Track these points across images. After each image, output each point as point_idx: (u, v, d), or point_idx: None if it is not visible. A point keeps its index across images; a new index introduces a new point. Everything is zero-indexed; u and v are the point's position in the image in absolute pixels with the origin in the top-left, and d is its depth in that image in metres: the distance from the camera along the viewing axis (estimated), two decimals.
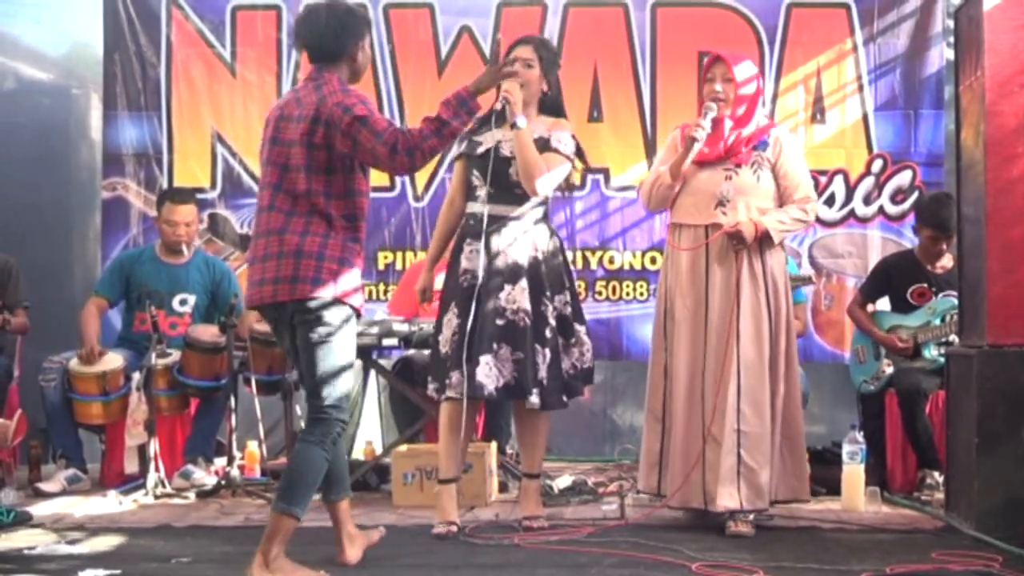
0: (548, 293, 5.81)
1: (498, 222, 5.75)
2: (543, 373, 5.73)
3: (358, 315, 5.02)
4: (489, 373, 5.64)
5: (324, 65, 5.02)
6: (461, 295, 5.74)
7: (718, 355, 5.73)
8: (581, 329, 5.94)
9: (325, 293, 4.83)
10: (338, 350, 4.89)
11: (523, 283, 5.75)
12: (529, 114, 5.76)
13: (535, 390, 5.69)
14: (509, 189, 5.76)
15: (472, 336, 5.64)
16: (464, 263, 5.79)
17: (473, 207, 5.84)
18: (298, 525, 4.84)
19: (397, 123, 4.81)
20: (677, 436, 5.81)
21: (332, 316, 4.86)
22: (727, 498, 5.65)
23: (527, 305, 5.73)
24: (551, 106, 5.92)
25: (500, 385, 5.68)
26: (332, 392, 4.88)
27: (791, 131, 8.00)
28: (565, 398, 5.88)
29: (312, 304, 4.83)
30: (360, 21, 5.10)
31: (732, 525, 5.70)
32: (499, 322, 5.67)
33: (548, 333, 5.78)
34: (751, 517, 5.73)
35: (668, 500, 5.85)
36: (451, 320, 5.74)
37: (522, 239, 5.78)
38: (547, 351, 5.75)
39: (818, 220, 8.08)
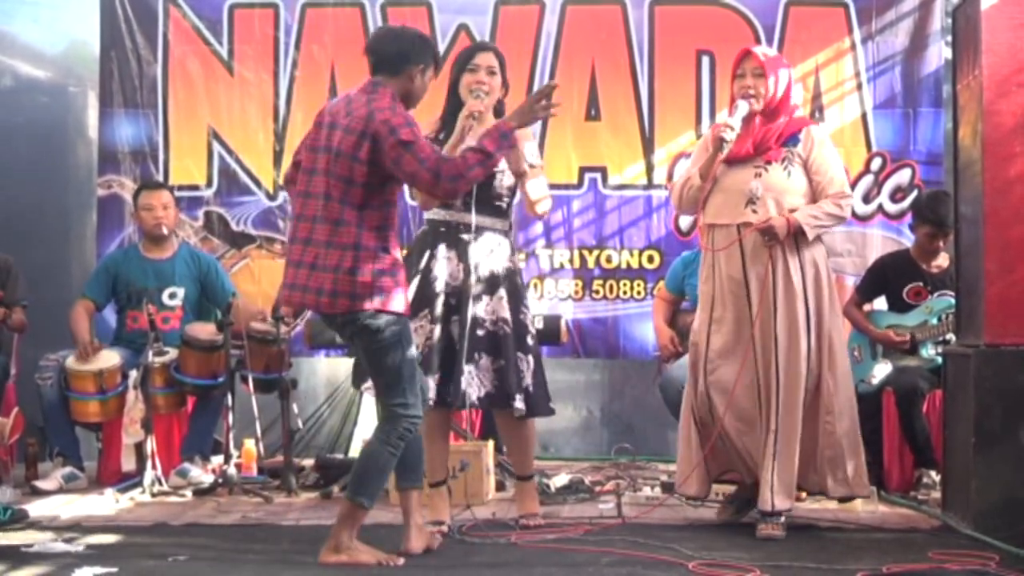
0: (526, 302, 5.88)
1: (476, 233, 5.76)
2: (528, 380, 5.77)
3: (405, 315, 5.17)
4: (471, 382, 5.68)
5: (383, 77, 5.13)
6: (435, 303, 5.74)
7: (764, 355, 5.69)
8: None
9: (367, 305, 5.00)
10: (392, 354, 5.06)
11: (501, 292, 5.78)
12: (487, 121, 5.65)
13: (518, 396, 5.72)
14: (490, 201, 5.77)
15: (454, 347, 5.68)
16: (438, 271, 5.78)
17: (443, 214, 5.82)
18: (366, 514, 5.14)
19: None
20: (733, 438, 5.78)
21: (378, 326, 5.03)
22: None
23: (507, 314, 5.77)
24: (500, 111, 5.89)
25: (482, 395, 5.73)
26: (394, 392, 5.08)
27: None
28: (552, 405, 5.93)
29: (358, 318, 5.02)
30: (429, 49, 5.28)
31: (764, 527, 5.66)
32: (479, 332, 5.71)
33: (530, 341, 5.82)
34: (782, 519, 5.68)
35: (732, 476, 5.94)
36: (424, 327, 5.71)
37: (498, 250, 5.81)
38: (530, 358, 5.79)
39: None
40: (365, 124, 4.97)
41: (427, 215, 5.91)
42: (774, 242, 5.64)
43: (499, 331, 5.74)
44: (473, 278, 5.71)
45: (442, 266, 5.76)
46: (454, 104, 5.79)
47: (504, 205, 5.86)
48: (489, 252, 5.78)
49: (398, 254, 5.14)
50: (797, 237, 5.68)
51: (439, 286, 5.74)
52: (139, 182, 8.23)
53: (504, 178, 5.79)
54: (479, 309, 5.72)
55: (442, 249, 5.78)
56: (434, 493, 5.84)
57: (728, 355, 5.76)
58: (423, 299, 5.76)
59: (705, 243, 5.86)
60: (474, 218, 5.74)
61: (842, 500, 5.94)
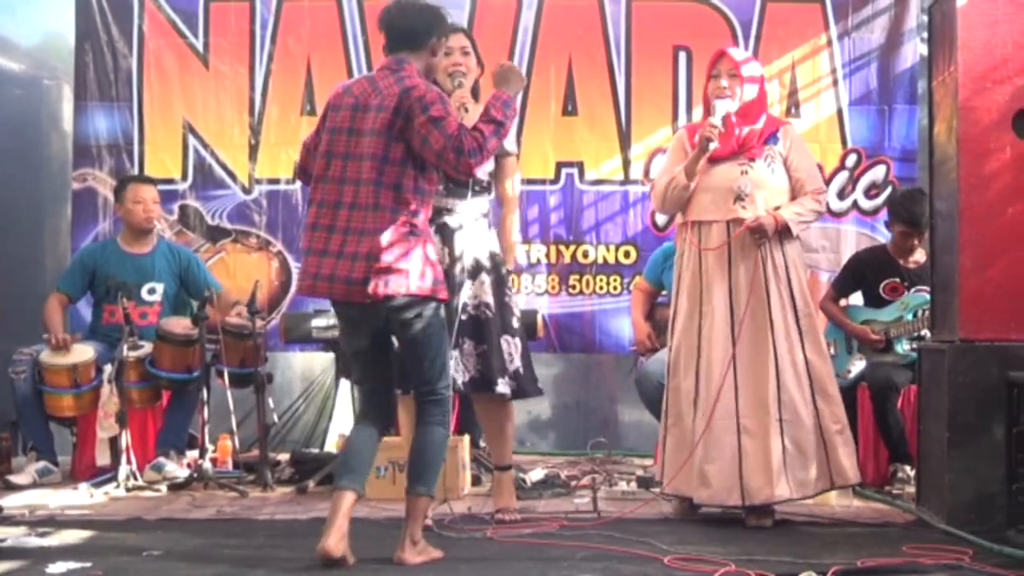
0: (509, 284, 5.89)
1: (457, 216, 5.77)
2: (517, 362, 5.80)
3: (442, 301, 5.10)
4: (457, 368, 5.67)
5: (407, 52, 5.08)
6: None
7: (752, 349, 5.75)
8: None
9: (404, 291, 4.91)
10: (435, 337, 5.04)
11: (483, 277, 5.80)
12: (468, 101, 5.67)
13: (501, 380, 5.75)
14: (467, 184, 5.76)
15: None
16: None
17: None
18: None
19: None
20: (717, 435, 5.78)
21: (418, 311, 4.97)
22: (781, 488, 5.71)
23: (489, 299, 5.79)
24: (475, 91, 5.92)
25: (467, 380, 5.74)
26: (440, 375, 5.06)
27: None
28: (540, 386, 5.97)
29: (395, 305, 4.93)
30: (444, 20, 5.25)
31: (753, 518, 5.74)
32: (462, 317, 5.70)
33: (515, 323, 5.83)
34: (770, 509, 5.78)
35: (703, 498, 5.85)
36: None
37: (480, 235, 5.81)
38: (517, 341, 5.81)
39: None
40: (399, 101, 4.92)
41: None
42: (764, 239, 5.74)
43: (481, 315, 5.76)
44: (458, 267, 5.70)
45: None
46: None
47: (480, 187, 5.85)
48: (471, 236, 5.77)
49: (433, 239, 5.15)
50: (781, 233, 5.79)
51: None
52: (114, 175, 8.22)
53: (486, 165, 5.78)
54: (463, 294, 5.71)
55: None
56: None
57: (712, 350, 5.80)
58: None
59: (692, 239, 5.90)
60: (444, 201, 5.73)
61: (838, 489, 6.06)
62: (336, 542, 4.81)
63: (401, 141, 4.92)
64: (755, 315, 5.76)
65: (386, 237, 4.88)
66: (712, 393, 5.76)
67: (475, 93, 5.86)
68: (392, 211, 4.91)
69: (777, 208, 5.82)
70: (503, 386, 5.76)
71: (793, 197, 5.90)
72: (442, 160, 4.93)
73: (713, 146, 5.74)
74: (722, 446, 5.76)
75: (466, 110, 5.56)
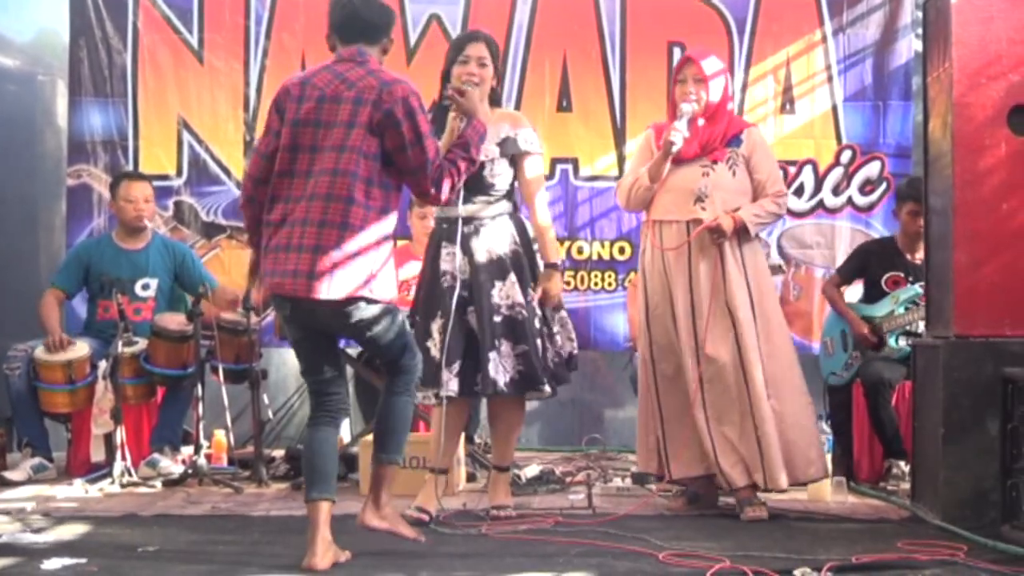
0: (533, 284, 5.85)
1: (474, 222, 5.76)
2: (551, 358, 5.82)
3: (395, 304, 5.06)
4: (497, 370, 5.67)
5: (365, 45, 4.99)
6: (447, 299, 5.71)
7: (716, 346, 5.83)
8: (565, 316, 6.01)
9: (364, 294, 4.83)
10: (389, 331, 4.96)
11: (512, 277, 5.77)
12: (484, 111, 5.59)
13: (546, 379, 5.76)
14: (484, 190, 5.76)
15: (474, 336, 5.69)
16: (445, 267, 5.78)
17: (444, 211, 5.82)
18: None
19: None
20: (681, 426, 5.90)
21: (373, 316, 4.89)
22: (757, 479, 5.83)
23: (520, 298, 5.76)
24: (495, 99, 5.94)
25: (507, 380, 5.72)
26: (406, 351, 5.05)
27: (760, 121, 8.08)
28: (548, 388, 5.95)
29: (351, 307, 4.84)
30: (394, 22, 5.20)
31: (750, 510, 5.82)
32: (496, 319, 5.69)
33: (537, 323, 5.81)
34: (764, 501, 5.88)
35: (677, 476, 6.03)
36: (441, 323, 5.72)
37: (501, 235, 5.80)
38: (537, 340, 5.78)
39: (787, 210, 8.12)
40: (379, 95, 4.82)
41: (436, 213, 5.96)
42: (722, 239, 5.84)
43: (517, 315, 5.73)
44: (477, 268, 5.70)
45: (448, 262, 5.76)
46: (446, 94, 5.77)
47: (500, 191, 5.83)
48: (491, 239, 5.76)
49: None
50: (740, 233, 5.90)
51: (447, 280, 5.74)
52: (109, 171, 8.21)
53: (495, 167, 5.78)
54: (494, 296, 5.71)
55: (446, 246, 5.79)
56: (436, 479, 5.81)
57: (673, 346, 5.93)
58: (435, 298, 5.78)
59: (654, 240, 6.00)
60: (461, 210, 5.72)
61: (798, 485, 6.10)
62: (322, 556, 4.76)
63: (377, 136, 4.83)
64: (717, 313, 5.85)
65: (356, 234, 4.79)
66: (675, 392, 5.92)
67: (495, 101, 5.91)
68: (365, 207, 4.81)
69: (736, 209, 5.91)
70: (548, 385, 5.79)
71: (755, 199, 6.00)
72: (415, 180, 4.90)
73: (676, 149, 5.85)
74: (698, 442, 5.88)
75: (461, 121, 5.43)
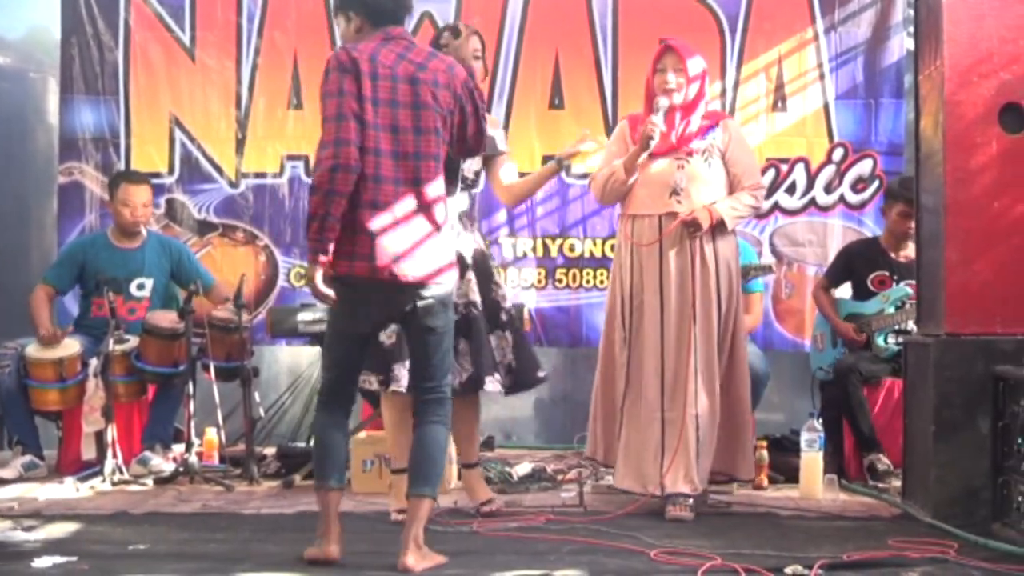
0: (496, 279, 5.90)
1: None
2: (510, 356, 5.81)
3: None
4: (453, 370, 5.65)
5: (396, 27, 4.97)
6: None
7: (678, 342, 5.81)
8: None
9: (440, 276, 4.92)
10: (449, 333, 5.03)
11: (469, 275, 5.80)
12: None
13: (490, 377, 5.76)
14: (453, 182, 5.74)
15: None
16: None
17: None
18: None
19: None
20: (640, 424, 5.83)
21: (445, 299, 4.95)
22: (691, 479, 5.76)
23: (476, 297, 5.79)
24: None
25: (464, 379, 5.73)
26: (445, 372, 5.01)
27: (752, 119, 8.08)
28: (541, 374, 6.00)
29: (432, 288, 4.89)
30: None
31: (672, 508, 5.78)
32: (455, 318, 5.68)
33: (504, 316, 5.83)
34: (690, 501, 5.81)
35: (622, 484, 5.95)
36: None
37: (465, 233, 5.82)
38: (508, 334, 5.81)
39: (779, 208, 8.16)
40: (449, 77, 4.89)
41: None
42: (698, 233, 5.81)
43: (470, 314, 5.76)
44: None
45: None
46: None
47: (467, 184, 5.90)
48: (455, 236, 5.76)
49: None
50: (716, 227, 5.86)
51: None
52: (100, 169, 8.21)
53: (472, 162, 5.81)
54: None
55: None
56: (398, 479, 5.78)
57: (644, 341, 5.88)
58: None
59: (627, 234, 5.98)
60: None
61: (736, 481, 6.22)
62: (339, 545, 4.83)
63: (448, 117, 4.90)
64: (681, 309, 5.83)
65: (439, 222, 4.89)
66: (642, 388, 5.87)
67: None
68: (439, 188, 4.91)
69: (713, 203, 5.87)
70: (492, 383, 5.76)
71: (731, 192, 5.97)
72: (464, 146, 5.05)
73: (654, 143, 5.82)
74: (645, 437, 5.84)
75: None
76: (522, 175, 7.84)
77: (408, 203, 4.81)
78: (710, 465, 5.88)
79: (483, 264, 5.88)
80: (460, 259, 5.72)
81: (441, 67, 4.90)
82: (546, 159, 8.13)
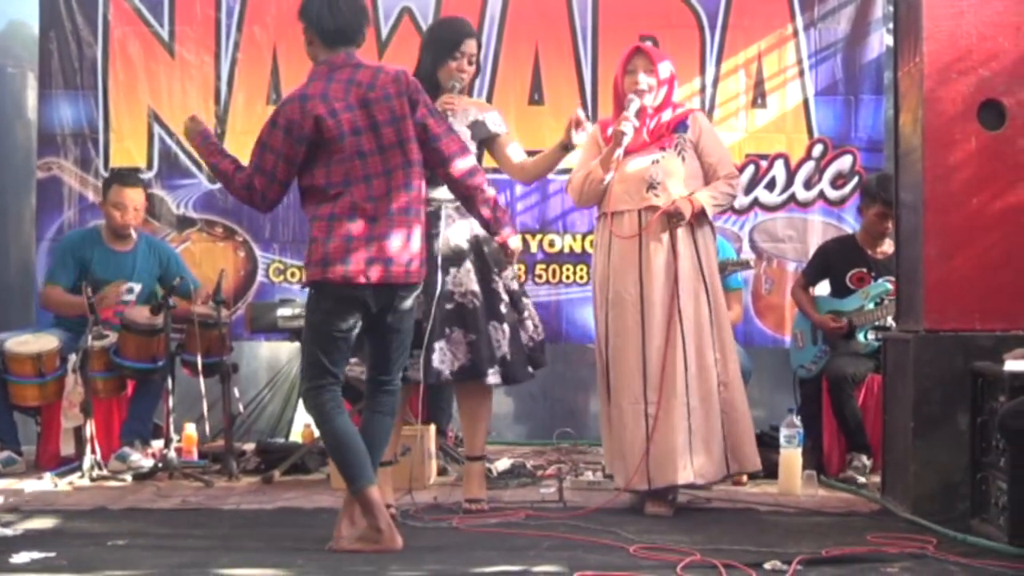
0: (496, 270, 5.84)
1: (434, 205, 5.74)
2: (505, 349, 5.78)
3: None
4: (444, 358, 5.67)
5: (353, 47, 5.13)
6: None
7: (662, 334, 5.79)
8: (528, 303, 6.04)
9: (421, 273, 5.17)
10: (410, 333, 5.27)
11: (467, 264, 5.77)
12: (461, 101, 5.85)
13: (491, 369, 5.74)
14: None
15: (420, 324, 5.62)
16: None
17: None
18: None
19: None
20: (626, 420, 5.83)
21: (414, 303, 5.21)
22: (685, 473, 5.74)
23: (475, 286, 5.76)
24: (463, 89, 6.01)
25: (455, 368, 5.71)
26: (400, 367, 5.25)
27: (732, 116, 8.10)
28: (531, 369, 5.96)
29: (416, 287, 5.15)
30: None
31: (651, 504, 5.80)
32: (448, 306, 5.69)
33: (503, 308, 5.81)
34: (670, 497, 5.83)
35: (631, 485, 5.84)
36: None
37: (460, 221, 5.78)
38: (505, 326, 5.79)
39: (759, 204, 8.17)
40: (397, 83, 5.05)
41: None
42: (681, 222, 5.81)
43: (467, 303, 5.74)
44: (433, 254, 5.64)
45: None
46: (433, 85, 5.78)
47: None
48: (450, 225, 5.78)
49: None
50: (696, 218, 5.88)
51: None
52: (79, 164, 8.21)
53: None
54: (447, 283, 5.71)
55: None
56: (382, 472, 5.78)
57: (626, 336, 5.86)
58: None
59: (605, 228, 5.97)
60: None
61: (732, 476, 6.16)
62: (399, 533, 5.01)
63: (411, 119, 5.05)
64: (665, 303, 5.81)
65: (419, 222, 5.11)
66: (626, 383, 5.85)
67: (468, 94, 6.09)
68: (418, 190, 5.09)
69: (692, 192, 5.89)
70: (493, 376, 5.76)
71: (707, 182, 5.98)
72: (434, 146, 5.13)
73: (628, 139, 5.84)
74: (633, 431, 5.81)
75: (452, 114, 5.68)
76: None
77: (392, 212, 5.00)
78: (709, 460, 5.82)
79: (481, 251, 5.83)
80: (455, 250, 5.73)
81: (388, 80, 5.05)
82: (527, 154, 8.13)
